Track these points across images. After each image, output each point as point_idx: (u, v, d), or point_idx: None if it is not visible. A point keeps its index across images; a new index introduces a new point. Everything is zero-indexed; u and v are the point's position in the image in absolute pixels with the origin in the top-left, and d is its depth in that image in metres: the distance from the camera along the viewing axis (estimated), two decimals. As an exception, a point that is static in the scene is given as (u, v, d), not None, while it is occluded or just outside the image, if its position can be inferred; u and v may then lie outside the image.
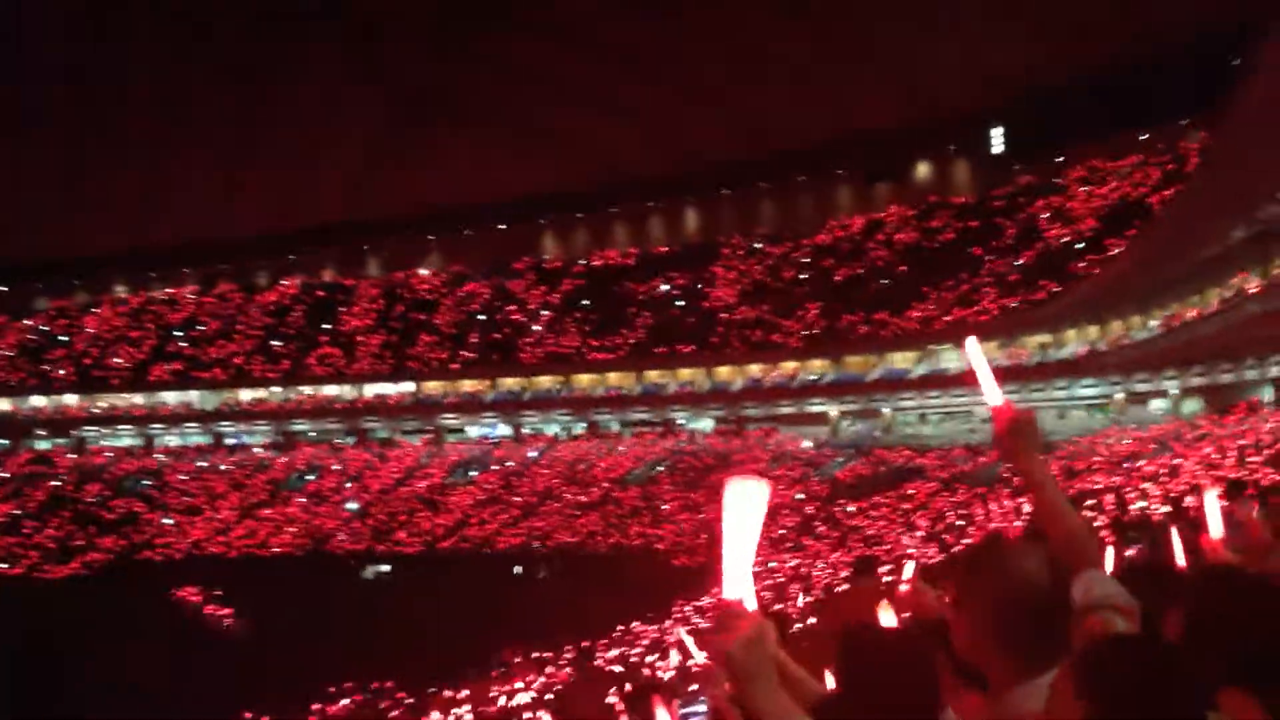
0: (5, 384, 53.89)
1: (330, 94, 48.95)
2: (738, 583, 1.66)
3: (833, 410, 46.08)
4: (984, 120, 48.25)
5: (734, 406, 47.69)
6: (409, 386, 52.52)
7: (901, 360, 44.90)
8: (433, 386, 52.33)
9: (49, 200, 51.92)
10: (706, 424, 48.37)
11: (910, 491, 35.08)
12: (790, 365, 47.33)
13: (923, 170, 50.97)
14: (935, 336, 42.59)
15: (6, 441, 51.74)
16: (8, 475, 48.76)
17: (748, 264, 51.37)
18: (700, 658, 4.75)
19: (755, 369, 47.95)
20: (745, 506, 1.73)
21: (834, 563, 27.24)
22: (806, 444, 44.10)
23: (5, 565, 41.76)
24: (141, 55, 46.20)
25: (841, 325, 45.68)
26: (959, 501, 31.28)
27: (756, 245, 52.09)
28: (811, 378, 46.64)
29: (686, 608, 25.52)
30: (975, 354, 2.16)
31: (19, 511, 45.57)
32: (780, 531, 33.53)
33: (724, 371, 48.59)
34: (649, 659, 20.04)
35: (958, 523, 27.40)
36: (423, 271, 57.61)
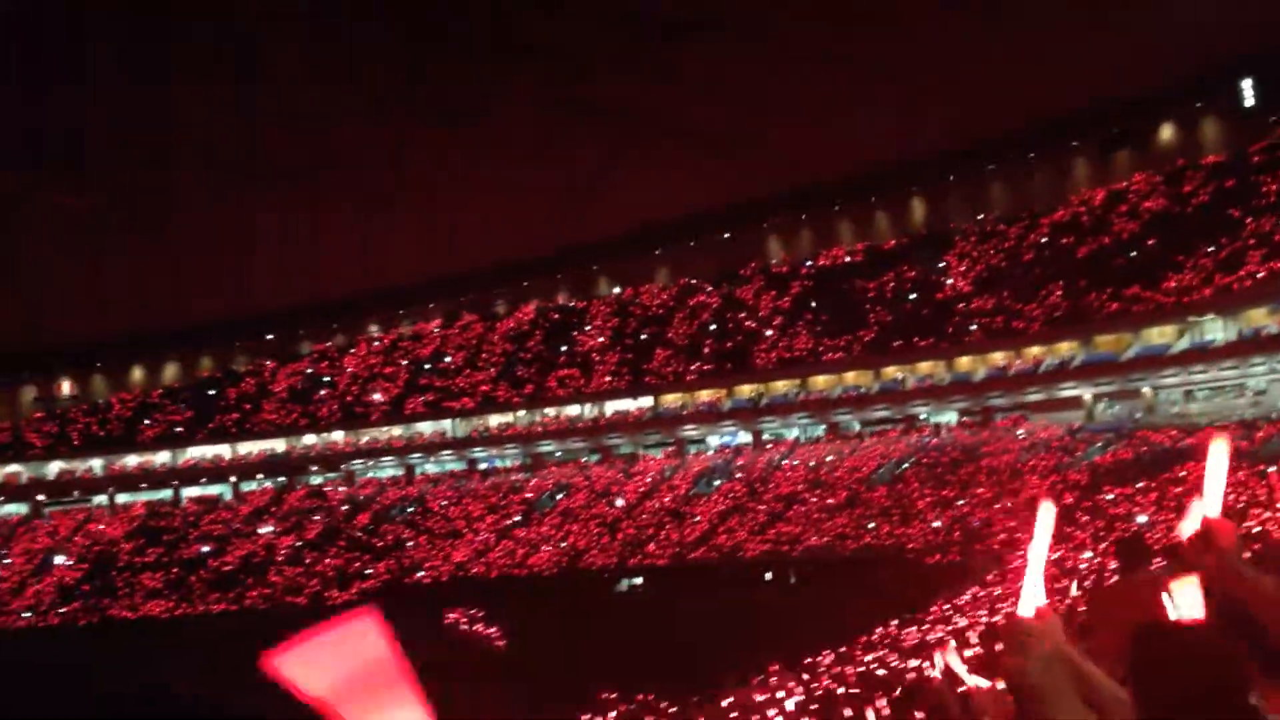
0: (280, 425, 57.95)
1: (546, 124, 50.51)
2: (1033, 597, 1.55)
3: (1086, 394, 43.79)
4: (1232, 72, 44.98)
5: (978, 397, 46.08)
6: (648, 401, 53.34)
7: (1159, 335, 42.22)
8: (671, 399, 52.97)
9: (300, 249, 55.60)
10: (950, 417, 46.92)
11: (1181, 474, 32.83)
12: (1036, 350, 45.35)
13: (1167, 133, 47.95)
14: (1196, 308, 39.84)
15: (284, 479, 55.62)
16: (287, 510, 52.50)
17: (982, 249, 49.65)
18: (971, 682, 4.49)
19: (998, 357, 46.20)
20: (1044, 525, 1.66)
21: (1100, 553, 25.80)
22: (1060, 431, 42.08)
23: (291, 595, 44.96)
24: (359, 101, 48.87)
25: (1089, 304, 43.43)
26: (1238, 482, 29.03)
27: (989, 229, 50.31)
28: (1060, 361, 44.54)
29: (945, 607, 24.74)
30: (1219, 455, 1.98)
31: (300, 543, 48.96)
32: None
33: (965, 362, 47.01)
34: (911, 663, 19.50)
35: (1240, 504, 25.43)
36: (651, 287, 58.49)
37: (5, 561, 50.91)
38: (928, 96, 47.10)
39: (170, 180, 48.50)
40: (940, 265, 50.04)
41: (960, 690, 4.60)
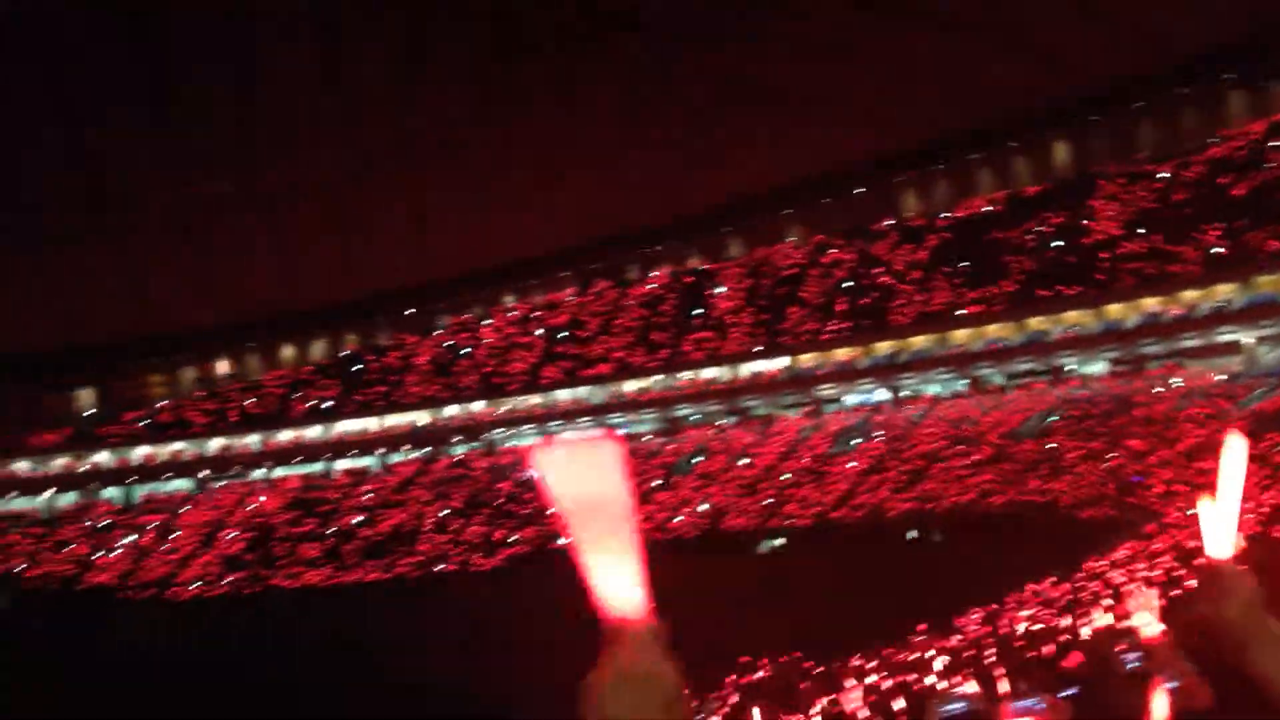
0: (423, 397, 59.36)
1: (673, 88, 50.19)
2: (1227, 539, 1.39)
3: (1247, 338, 41.63)
4: None
5: (1129, 345, 44.26)
6: (783, 361, 52.84)
7: (1327, 273, 39.89)
8: (807, 359, 52.34)
9: (436, 226, 56.65)
10: (1100, 367, 45.20)
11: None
12: (1191, 294, 43.28)
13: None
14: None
15: (430, 449, 57.00)
16: (433, 480, 53.82)
17: (1131, 191, 47.54)
18: (1158, 629, 4.18)
19: (1151, 302, 44.26)
20: (1235, 462, 1.54)
21: (1266, 503, 24.51)
22: (1219, 377, 40.13)
23: (439, 563, 46.14)
24: (486, 74, 49.20)
25: (1248, 243, 41.20)
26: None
27: (1138, 171, 48.15)
28: (1218, 304, 42.41)
29: (1101, 563, 23.86)
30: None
31: (446, 512, 50.16)
32: (1201, 475, 30.68)
33: (1115, 309, 45.17)
34: (1064, 621, 18.87)
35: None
36: (784, 246, 57.81)
37: (174, 535, 53.46)
38: (1068, 36, 45.26)
39: (314, 161, 49.75)
40: (1086, 210, 48.12)
41: (1146, 635, 4.27)
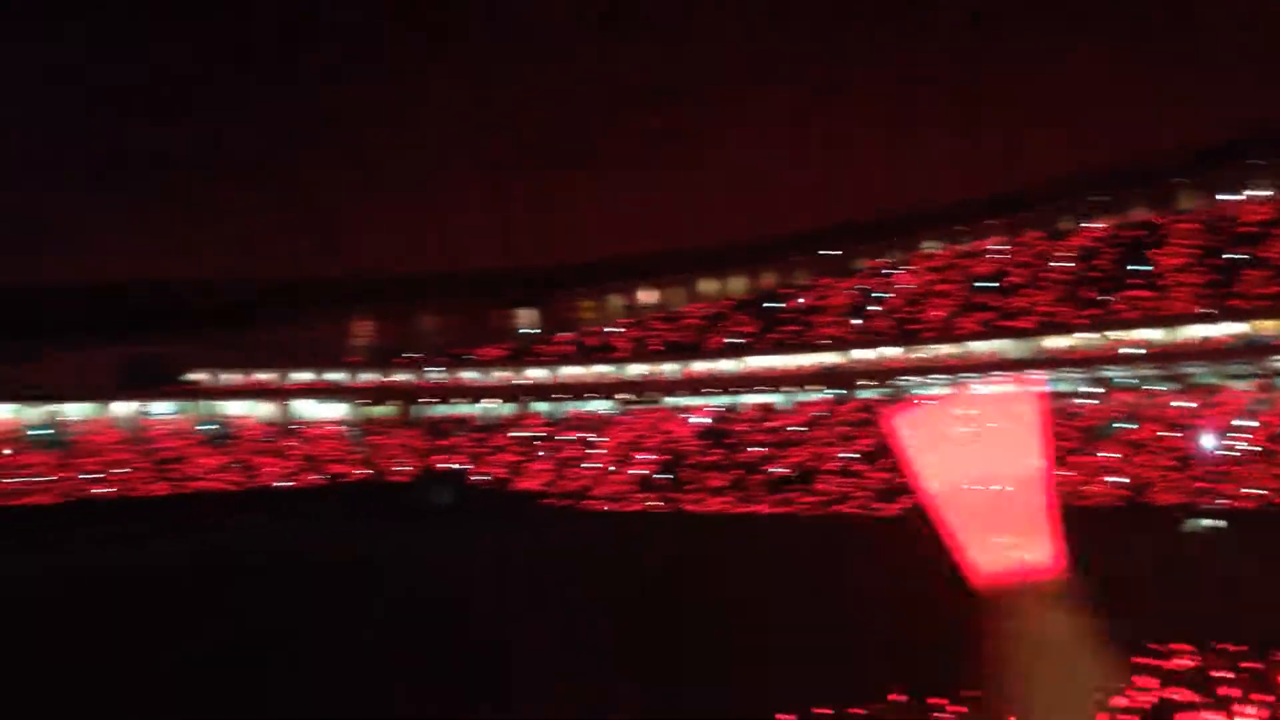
0: (836, 339, 59.34)
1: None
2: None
3: None
4: None
5: None
6: (1235, 327, 47.70)
7: None
8: (1267, 326, 46.92)
9: (859, 166, 55.95)
10: None
11: None
12: None
13: None
14: None
15: (839, 391, 57.00)
16: (838, 421, 53.84)
17: None
18: None
19: None
20: None
21: None
22: None
23: (838, 504, 46.18)
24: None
25: None
26: None
27: None
28: None
29: None
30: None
31: (854, 455, 50.02)
32: None
33: None
34: None
35: None
36: (1246, 200, 52.00)
37: (593, 452, 57.27)
38: None
39: (754, 100, 50.52)
40: None
41: None
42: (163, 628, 21.75)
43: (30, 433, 52.34)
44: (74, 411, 55.15)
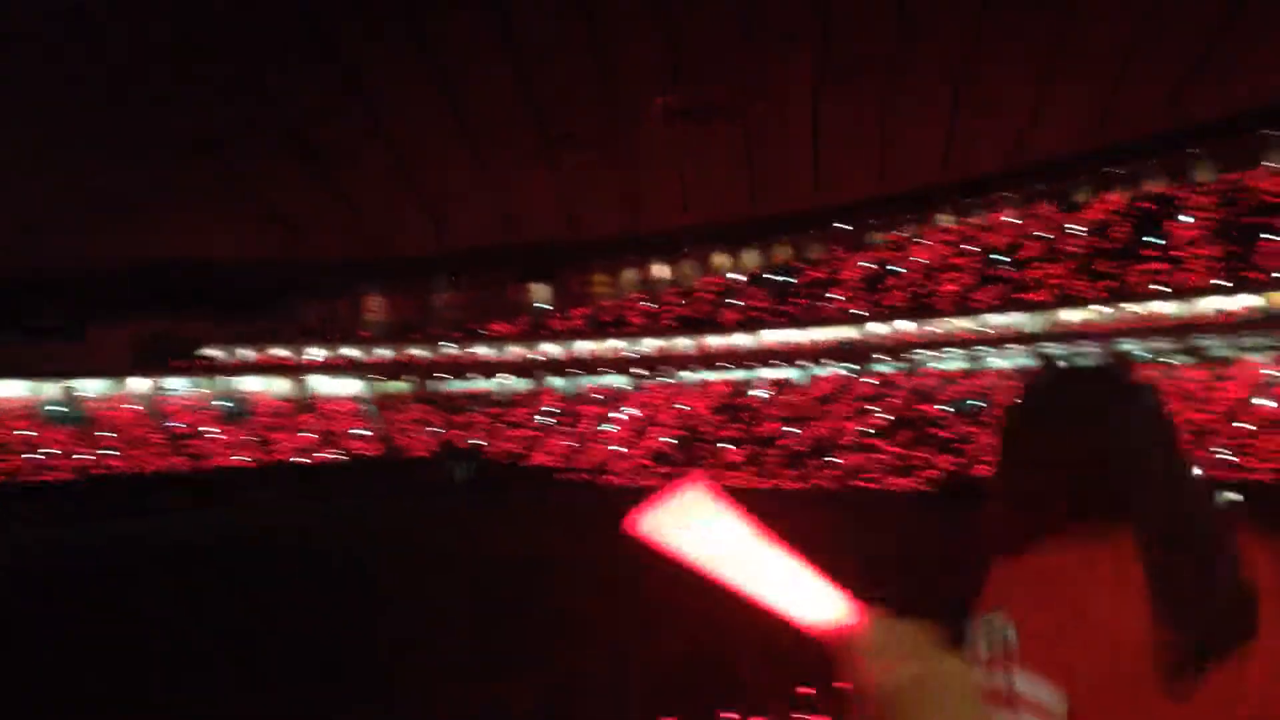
0: (849, 313, 59.41)
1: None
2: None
3: None
4: None
5: None
6: (1251, 300, 47.65)
7: None
8: (1280, 298, 46.93)
9: (872, 141, 55.73)
10: None
11: None
12: None
13: None
14: None
15: (857, 366, 57.12)
16: (854, 396, 54.00)
17: None
18: None
19: None
20: None
21: None
22: None
23: (855, 479, 46.39)
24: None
25: None
26: None
27: None
28: None
29: None
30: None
31: (868, 429, 50.21)
32: None
33: None
34: None
35: None
36: (1258, 171, 51.80)
37: (606, 429, 57.53)
38: None
39: (776, 73, 50.13)
40: None
41: None
42: (181, 600, 21.99)
43: (47, 409, 52.69)
44: (91, 388, 55.51)
